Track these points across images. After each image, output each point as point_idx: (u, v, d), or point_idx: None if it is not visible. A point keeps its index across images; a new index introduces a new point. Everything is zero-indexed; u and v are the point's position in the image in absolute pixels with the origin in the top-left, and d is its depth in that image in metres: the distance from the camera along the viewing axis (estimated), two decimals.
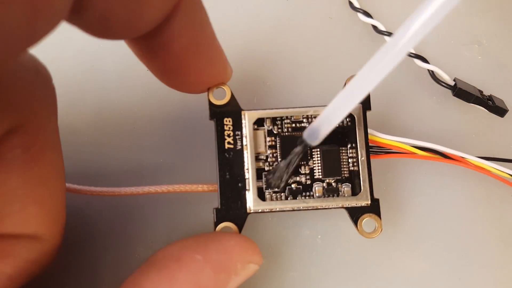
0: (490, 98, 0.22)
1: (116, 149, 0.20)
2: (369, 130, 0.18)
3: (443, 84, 0.22)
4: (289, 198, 0.17)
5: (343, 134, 0.18)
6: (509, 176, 0.20)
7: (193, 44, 0.15)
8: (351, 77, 0.18)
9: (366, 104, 0.18)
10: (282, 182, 0.17)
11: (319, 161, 0.18)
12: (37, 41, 0.10)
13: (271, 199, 0.17)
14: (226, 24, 0.23)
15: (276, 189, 0.18)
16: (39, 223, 0.14)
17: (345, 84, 0.18)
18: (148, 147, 0.20)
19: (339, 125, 0.18)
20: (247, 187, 0.17)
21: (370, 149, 0.18)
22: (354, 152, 0.18)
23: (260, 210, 0.17)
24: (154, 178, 0.19)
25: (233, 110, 0.18)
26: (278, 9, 0.24)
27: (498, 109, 0.21)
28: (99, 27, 0.12)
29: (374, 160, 0.18)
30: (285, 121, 0.18)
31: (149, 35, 0.14)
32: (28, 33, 0.09)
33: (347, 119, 0.18)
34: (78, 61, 0.21)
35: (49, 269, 0.16)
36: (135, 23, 0.13)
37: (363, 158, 0.18)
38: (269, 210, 0.17)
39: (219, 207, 0.17)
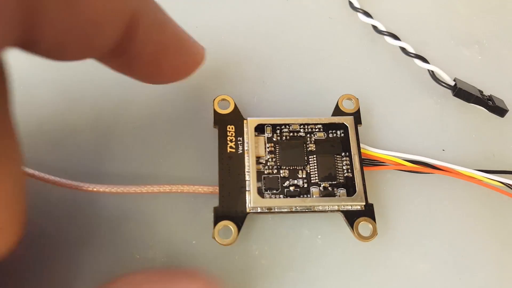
0: (490, 98, 0.22)
1: (116, 149, 0.19)
2: (361, 145, 0.19)
3: (443, 84, 0.22)
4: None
5: (338, 144, 0.19)
6: (501, 184, 0.20)
7: (161, 47, 0.15)
8: (344, 96, 0.20)
9: (357, 118, 0.20)
10: None
11: (315, 167, 0.19)
12: None
13: (270, 198, 0.18)
14: (226, 24, 0.23)
15: (274, 191, 0.18)
16: None
17: (337, 102, 0.20)
18: (148, 147, 0.20)
19: (333, 135, 0.19)
20: (247, 188, 0.18)
21: (363, 162, 0.19)
22: (348, 160, 0.19)
23: (259, 209, 0.17)
24: (154, 179, 0.19)
25: (235, 118, 0.19)
26: (278, 9, 0.24)
27: (498, 109, 0.21)
28: (55, 55, 0.13)
29: (368, 171, 0.19)
30: (284, 129, 0.19)
31: (115, 52, 0.14)
32: None
33: (341, 131, 0.19)
34: (78, 61, 0.21)
35: (49, 268, 0.16)
36: (90, 48, 0.13)
37: (356, 163, 0.18)
38: (268, 210, 0.18)
39: (219, 206, 0.17)
